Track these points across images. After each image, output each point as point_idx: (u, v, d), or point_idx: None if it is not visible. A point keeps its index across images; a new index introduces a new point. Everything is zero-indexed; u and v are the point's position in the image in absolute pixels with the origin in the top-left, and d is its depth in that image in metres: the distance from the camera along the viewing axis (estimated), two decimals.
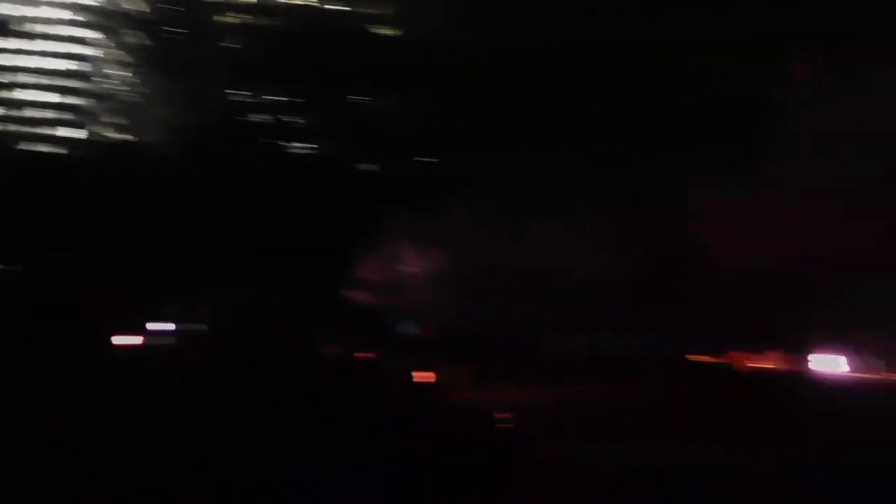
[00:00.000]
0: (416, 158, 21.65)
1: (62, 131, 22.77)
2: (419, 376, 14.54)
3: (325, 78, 21.64)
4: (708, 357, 15.22)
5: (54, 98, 22.92)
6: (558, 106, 18.07)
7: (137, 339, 16.43)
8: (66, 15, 22.99)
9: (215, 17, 22.59)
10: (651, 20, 16.76)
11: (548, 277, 16.75)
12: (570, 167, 16.66)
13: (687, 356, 15.41)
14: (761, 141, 13.58)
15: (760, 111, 13.44)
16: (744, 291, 13.77)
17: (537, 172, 17.59)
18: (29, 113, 22.84)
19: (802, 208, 13.34)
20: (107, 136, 22.76)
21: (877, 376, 13.85)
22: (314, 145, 22.67)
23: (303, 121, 22.51)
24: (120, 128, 22.73)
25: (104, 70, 22.96)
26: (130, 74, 22.70)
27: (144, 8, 22.51)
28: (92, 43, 22.94)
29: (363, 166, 21.82)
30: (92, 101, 22.91)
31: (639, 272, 15.24)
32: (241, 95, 22.14)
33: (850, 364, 14.04)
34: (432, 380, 15.54)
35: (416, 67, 20.20)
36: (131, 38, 22.64)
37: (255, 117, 22.31)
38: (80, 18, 22.94)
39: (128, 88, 22.72)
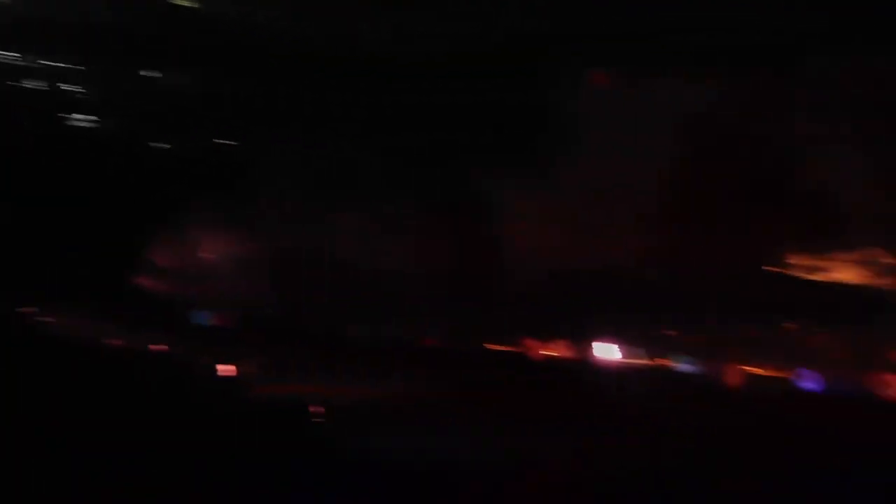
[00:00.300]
0: (214, 140, 20.67)
1: None
2: (222, 370, 14.11)
3: (111, 45, 19.99)
4: (504, 346, 16.12)
5: None
6: (365, 95, 18.04)
7: None
8: None
9: None
10: (454, 16, 17.20)
11: (352, 267, 16.83)
12: (374, 158, 16.74)
13: (485, 345, 16.21)
14: (560, 141, 14.48)
15: (559, 113, 14.30)
16: (537, 284, 14.71)
17: (342, 161, 17.49)
18: None
19: (592, 208, 14.48)
20: None
21: (640, 362, 15.45)
22: (96, 118, 20.91)
23: (84, 91, 20.66)
24: None
25: None
26: None
27: None
28: None
29: (154, 144, 20.47)
30: None
31: (441, 264, 15.77)
32: (11, 57, 19.91)
33: (621, 352, 15.54)
34: (233, 373, 15.13)
35: (216, 44, 19.25)
36: None
37: (29, 83, 20.14)
38: None
39: None
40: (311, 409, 11.10)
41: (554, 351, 15.86)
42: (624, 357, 15.67)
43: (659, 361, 15.16)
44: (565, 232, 14.66)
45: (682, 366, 14.73)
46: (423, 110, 16.71)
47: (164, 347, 16.88)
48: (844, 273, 12.38)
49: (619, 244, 14.19)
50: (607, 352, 15.89)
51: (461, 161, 15.53)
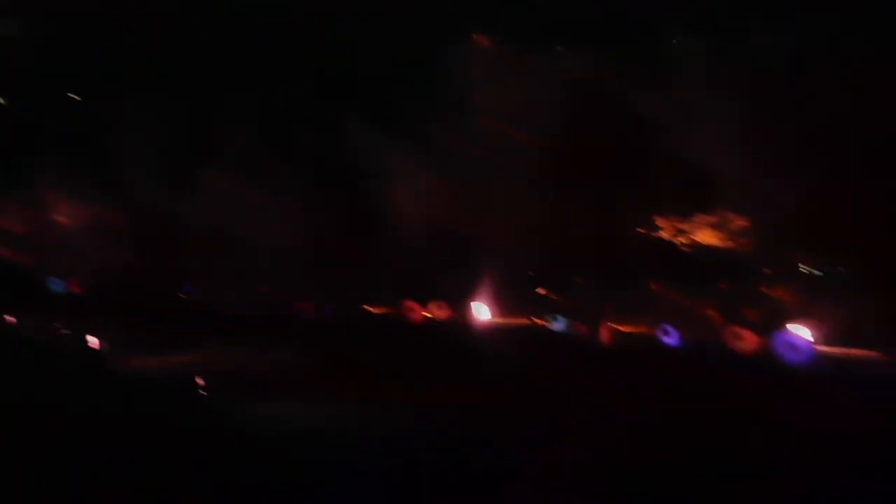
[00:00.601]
0: (57, 95, 19.12)
1: None
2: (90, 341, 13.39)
3: None
4: (385, 308, 16.27)
5: None
6: (233, 50, 17.24)
7: None
8: None
9: None
10: None
11: (221, 234, 16.30)
12: (247, 120, 16.18)
13: (366, 307, 16.29)
14: (444, 113, 14.56)
15: (445, 84, 14.34)
16: (418, 250, 14.88)
17: (211, 124, 16.74)
18: None
19: (469, 175, 14.72)
20: None
21: (514, 321, 16.08)
22: None
23: None
24: None
25: None
26: None
27: None
28: None
29: None
30: None
31: (321, 231, 15.60)
32: None
33: (500, 313, 16.07)
34: (96, 345, 14.42)
35: None
36: None
37: None
38: None
39: None
40: (195, 380, 10.71)
41: (433, 313, 16.17)
42: (500, 317, 16.22)
43: (534, 321, 15.81)
44: (444, 198, 14.84)
45: (555, 324, 15.42)
46: (301, 74, 16.25)
47: (13, 319, 15.87)
48: (704, 237, 13.26)
49: (496, 210, 14.52)
50: (482, 312, 16.41)
51: (339, 127, 15.31)
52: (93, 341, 14.08)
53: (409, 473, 9.14)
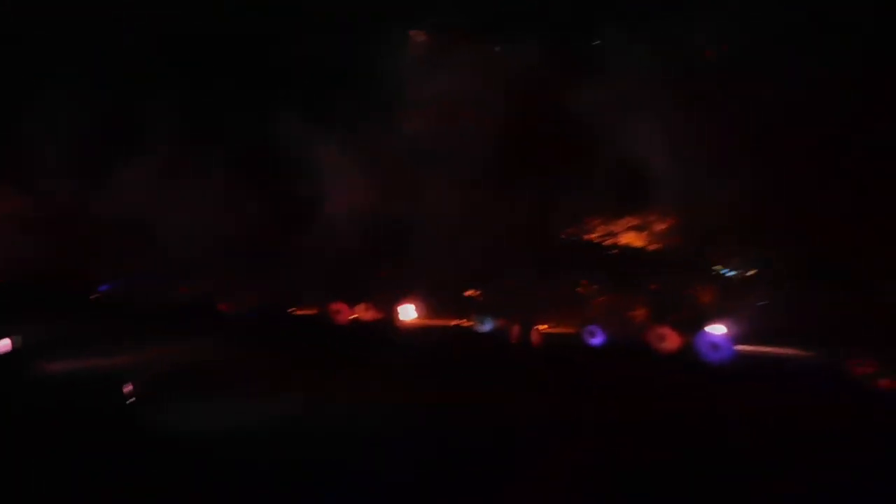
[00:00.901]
0: None
1: None
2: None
3: None
4: (310, 310, 15.95)
5: None
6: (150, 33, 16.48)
7: None
8: None
9: None
10: None
11: (139, 230, 15.66)
12: (166, 107, 15.59)
13: (290, 310, 15.92)
14: (375, 103, 14.40)
15: (379, 74, 14.19)
16: (347, 249, 14.68)
17: (123, 109, 15.99)
18: None
19: (400, 170, 14.61)
20: None
21: (431, 322, 16.08)
22: None
23: None
24: None
25: None
26: None
27: None
28: None
29: None
30: None
31: (245, 228, 15.19)
32: None
33: (417, 311, 16.03)
34: (8, 347, 13.63)
35: None
36: None
37: None
38: None
39: None
40: (124, 388, 10.19)
41: (360, 314, 15.96)
42: (428, 319, 16.17)
43: (460, 322, 15.83)
44: (374, 196, 14.69)
45: (483, 325, 15.47)
46: (222, 60, 15.72)
47: None
48: (630, 237, 13.56)
49: (426, 209, 14.45)
50: (410, 313, 16.32)
51: (266, 120, 14.93)
52: (3, 343, 13.27)
53: (339, 475, 9.05)
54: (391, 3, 14.20)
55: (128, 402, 9.87)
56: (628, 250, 13.66)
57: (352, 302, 15.70)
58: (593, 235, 13.81)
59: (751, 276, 11.99)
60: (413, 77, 14.34)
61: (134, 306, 15.58)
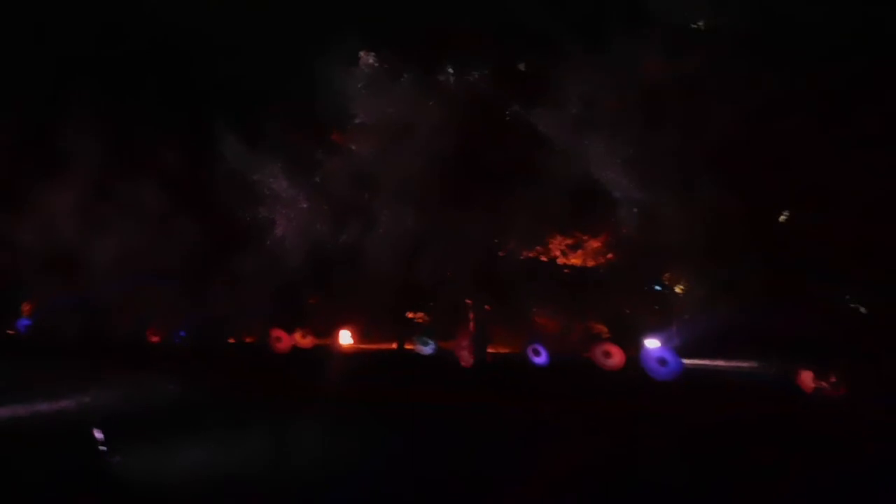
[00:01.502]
0: None
1: None
2: None
3: None
4: (250, 338, 15.49)
5: None
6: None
7: None
8: None
9: None
10: None
11: (64, 260, 14.74)
12: (96, 132, 14.83)
13: (229, 340, 15.40)
14: (316, 126, 14.18)
15: (322, 96, 13.96)
16: (288, 275, 14.36)
17: (49, 133, 15.10)
18: None
19: (344, 200, 14.43)
20: None
21: (371, 346, 16.01)
22: None
23: None
24: None
25: None
26: None
27: None
28: None
29: None
30: None
31: (181, 256, 14.59)
32: None
33: (357, 338, 15.90)
34: None
35: None
36: None
37: None
38: None
39: None
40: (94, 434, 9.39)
41: (298, 341, 15.59)
42: (368, 343, 16.00)
43: (403, 345, 15.76)
44: (316, 221, 14.45)
45: (425, 348, 15.44)
46: (157, 78, 14.93)
47: None
48: (576, 257, 13.84)
49: (368, 233, 14.32)
50: (348, 339, 16.10)
51: (202, 144, 14.38)
52: None
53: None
54: (341, 22, 14.03)
55: (100, 450, 9.17)
56: (575, 269, 13.93)
57: (289, 329, 15.36)
58: (538, 254, 14.02)
59: (694, 292, 12.49)
60: (357, 99, 14.21)
61: (59, 342, 14.64)
